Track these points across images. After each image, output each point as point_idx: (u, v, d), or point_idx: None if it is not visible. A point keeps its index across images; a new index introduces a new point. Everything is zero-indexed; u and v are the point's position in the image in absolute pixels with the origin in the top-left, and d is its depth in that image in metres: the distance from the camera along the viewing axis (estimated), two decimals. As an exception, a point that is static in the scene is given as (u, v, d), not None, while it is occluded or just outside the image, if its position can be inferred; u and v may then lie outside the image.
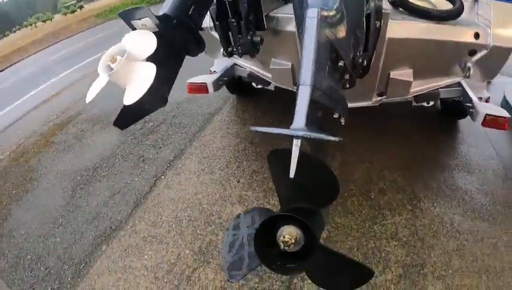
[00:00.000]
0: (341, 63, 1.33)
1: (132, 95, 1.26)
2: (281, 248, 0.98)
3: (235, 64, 3.44)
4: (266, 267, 1.05)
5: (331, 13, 1.20)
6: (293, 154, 0.86)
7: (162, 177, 3.39)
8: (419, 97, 2.85)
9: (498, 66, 2.54)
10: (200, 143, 3.81)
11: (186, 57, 1.88)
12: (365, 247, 2.42)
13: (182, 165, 3.50)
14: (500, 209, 2.67)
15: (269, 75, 3.13)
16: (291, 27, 2.38)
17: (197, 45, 1.87)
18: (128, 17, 1.57)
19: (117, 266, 2.53)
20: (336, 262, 1.14)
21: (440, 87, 2.79)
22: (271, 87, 3.30)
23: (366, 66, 2.08)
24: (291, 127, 0.90)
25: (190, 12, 1.78)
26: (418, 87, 2.76)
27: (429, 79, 2.75)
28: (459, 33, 2.39)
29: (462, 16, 2.36)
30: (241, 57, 2.46)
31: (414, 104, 2.93)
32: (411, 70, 2.58)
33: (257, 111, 4.25)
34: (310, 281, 1.91)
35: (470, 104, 2.58)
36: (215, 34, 2.46)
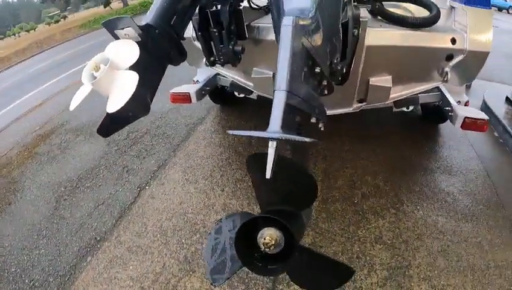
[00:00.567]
0: (318, 70, 1.37)
1: (115, 103, 1.27)
2: (262, 250, 0.99)
3: (217, 73, 3.46)
4: (247, 268, 1.06)
5: (307, 21, 1.24)
6: (268, 156, 0.89)
7: (147, 187, 3.36)
8: (399, 102, 2.92)
9: (475, 70, 2.60)
10: (184, 153, 3.81)
11: (170, 67, 1.90)
12: (350, 251, 2.45)
13: (166, 175, 3.49)
14: (483, 209, 2.74)
15: (251, 84, 3.16)
16: (272, 36, 2.41)
17: (179, 54, 1.88)
18: (111, 26, 1.58)
19: (102, 278, 2.48)
20: (316, 262, 1.16)
21: (419, 92, 2.86)
22: (253, 96, 3.34)
23: (345, 73, 2.12)
24: (267, 130, 0.93)
25: (172, 22, 1.80)
26: (398, 92, 2.83)
27: (408, 84, 2.82)
28: (436, 39, 2.47)
29: (439, 22, 2.45)
30: (223, 66, 2.49)
31: (394, 109, 3.00)
32: (390, 77, 2.64)
33: (240, 120, 4.27)
34: (295, 286, 1.92)
35: (449, 108, 2.64)
36: (198, 44, 2.49)
